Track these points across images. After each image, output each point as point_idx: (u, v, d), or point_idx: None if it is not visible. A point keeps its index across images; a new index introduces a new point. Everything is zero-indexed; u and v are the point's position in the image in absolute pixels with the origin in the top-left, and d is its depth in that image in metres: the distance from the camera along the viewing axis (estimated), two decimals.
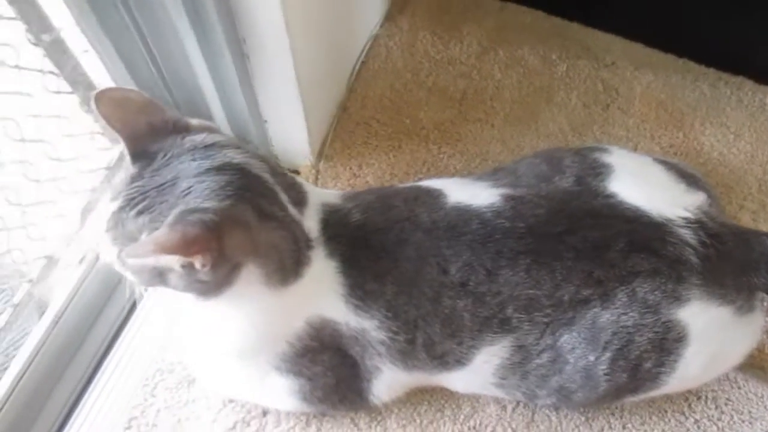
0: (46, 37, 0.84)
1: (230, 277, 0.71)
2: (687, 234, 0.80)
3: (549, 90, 1.26)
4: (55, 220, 1.01)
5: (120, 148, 1.05)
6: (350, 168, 1.19)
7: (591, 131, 1.22)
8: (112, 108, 0.71)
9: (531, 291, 0.78)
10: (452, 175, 1.17)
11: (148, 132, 0.73)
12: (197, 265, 0.65)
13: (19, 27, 0.82)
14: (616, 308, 0.78)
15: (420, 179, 1.16)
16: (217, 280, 0.70)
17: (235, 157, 0.72)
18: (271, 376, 0.86)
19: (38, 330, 1.00)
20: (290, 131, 1.11)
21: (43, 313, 1.02)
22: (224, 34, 0.88)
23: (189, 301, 0.78)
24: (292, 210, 0.76)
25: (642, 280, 0.78)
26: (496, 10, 1.36)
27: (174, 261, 0.66)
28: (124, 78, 0.97)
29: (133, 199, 0.70)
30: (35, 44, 0.84)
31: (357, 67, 1.28)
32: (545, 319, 0.79)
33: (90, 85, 0.96)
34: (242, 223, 0.69)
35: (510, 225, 0.80)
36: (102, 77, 0.98)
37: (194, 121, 0.77)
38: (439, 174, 1.18)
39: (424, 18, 1.35)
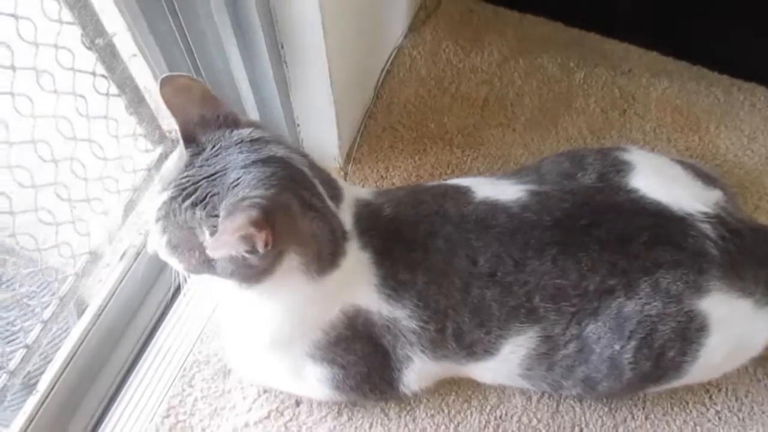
0: (99, 42, 0.89)
1: (274, 264, 0.74)
2: (707, 228, 0.83)
3: (568, 96, 1.31)
4: (99, 217, 1.05)
5: (160, 150, 1.11)
6: (377, 170, 1.23)
7: (609, 135, 1.26)
8: (174, 93, 0.75)
9: (558, 281, 0.81)
10: (478, 176, 1.22)
11: (200, 121, 0.76)
12: (259, 246, 0.67)
13: (75, 31, 0.87)
14: (640, 298, 0.81)
15: (446, 179, 1.21)
16: (263, 266, 0.73)
17: (278, 151, 0.76)
18: (306, 364, 0.89)
19: (81, 322, 1.04)
20: (321, 134, 1.15)
21: (82, 310, 1.06)
22: (265, 39, 0.93)
23: (230, 288, 0.82)
24: (329, 203, 0.80)
25: (665, 271, 0.81)
26: (516, 22, 1.41)
27: (241, 245, 0.68)
28: None
29: (184, 189, 0.73)
30: (89, 48, 0.89)
31: (383, 76, 1.34)
32: (572, 309, 0.82)
33: (136, 89, 1.00)
34: (288, 210, 0.72)
35: (536, 218, 0.83)
36: (147, 80, 1.03)
37: (243, 118, 0.80)
38: (464, 175, 1.22)
39: (446, 29, 1.40)
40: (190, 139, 0.77)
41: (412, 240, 0.84)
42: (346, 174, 1.23)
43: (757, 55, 1.28)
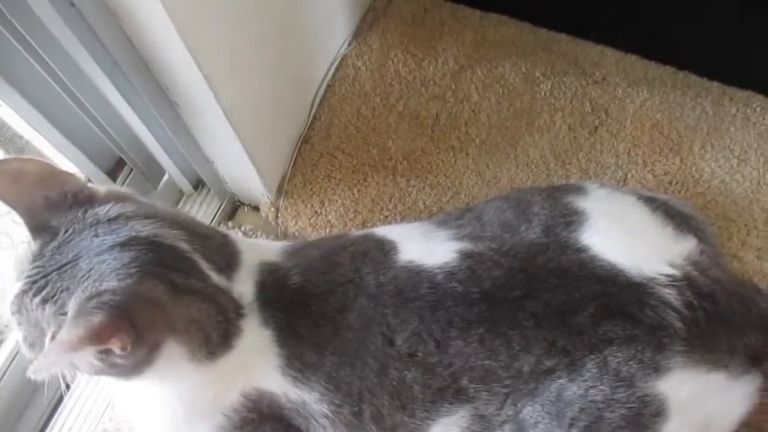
0: None
1: (150, 357, 0.65)
2: (671, 294, 0.72)
3: (531, 112, 1.15)
4: None
5: None
6: (311, 205, 1.11)
7: (576, 159, 1.10)
8: (5, 181, 0.66)
9: (486, 362, 0.72)
10: (420, 212, 1.09)
11: (47, 205, 0.67)
12: (116, 350, 0.59)
13: None
14: (585, 380, 0.70)
15: (384, 218, 1.09)
16: (135, 362, 0.65)
17: (142, 229, 0.66)
18: None
19: None
20: (239, 172, 1.03)
21: None
22: (143, 84, 0.81)
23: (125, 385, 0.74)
24: (216, 278, 0.70)
25: (615, 348, 0.70)
26: (476, 22, 1.24)
27: (88, 353, 0.60)
28: (49, 131, 0.91)
29: (34, 282, 0.64)
30: None
31: (321, 92, 1.19)
32: (504, 390, 0.72)
33: (11, 139, 0.89)
34: (151, 301, 0.63)
35: (462, 289, 0.73)
36: (29, 135, 0.91)
37: (102, 190, 0.71)
38: (407, 210, 1.09)
39: (396, 34, 1.24)
40: (39, 227, 0.67)
41: (320, 314, 0.74)
42: (277, 210, 1.11)
43: (755, 57, 1.10)
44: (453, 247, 0.77)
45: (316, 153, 1.15)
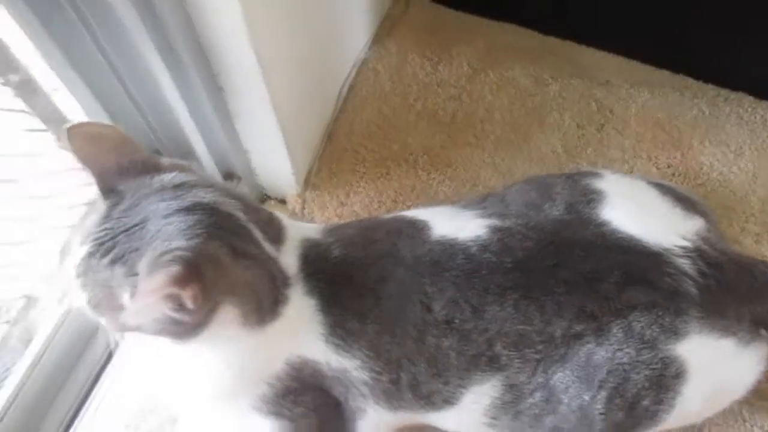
0: (14, 77, 0.82)
1: (208, 317, 0.68)
2: (685, 264, 0.77)
3: (541, 111, 1.23)
4: (34, 258, 0.99)
5: None
6: (337, 196, 1.16)
7: (585, 153, 1.18)
8: (84, 143, 0.69)
9: (520, 327, 0.75)
10: (442, 202, 1.15)
11: (118, 170, 0.71)
12: (188, 302, 0.62)
13: None
14: (611, 344, 0.75)
15: (408, 208, 1.14)
16: (195, 321, 0.68)
17: (205, 196, 0.70)
18: (252, 417, 0.82)
19: (18, 370, 0.98)
20: (273, 162, 1.08)
21: (20, 356, 1.01)
22: (196, 68, 0.86)
23: (164, 343, 0.75)
24: (268, 247, 0.74)
25: (638, 313, 0.75)
26: (486, 30, 1.32)
27: (166, 305, 0.63)
28: (98, 113, 0.96)
29: (102, 243, 0.67)
30: (4, 84, 0.83)
31: (344, 92, 1.26)
32: (536, 356, 0.76)
33: (64, 121, 0.94)
34: (215, 261, 0.67)
35: (497, 259, 0.77)
36: (77, 113, 0.96)
37: (165, 160, 0.74)
38: (429, 201, 1.15)
39: (412, 40, 1.32)
40: (107, 190, 0.70)
41: (361, 285, 0.78)
42: (304, 201, 1.16)
43: (745, 62, 1.20)
44: (482, 224, 0.82)
45: (340, 147, 1.20)
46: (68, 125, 0.68)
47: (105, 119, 0.96)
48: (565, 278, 0.76)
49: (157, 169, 0.72)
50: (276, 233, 0.77)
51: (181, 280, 0.61)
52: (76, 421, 1.02)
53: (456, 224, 0.83)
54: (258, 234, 0.73)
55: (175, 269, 0.60)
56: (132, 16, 0.79)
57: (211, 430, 0.95)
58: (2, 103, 0.85)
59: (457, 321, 0.76)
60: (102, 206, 0.70)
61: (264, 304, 0.73)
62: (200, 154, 1.08)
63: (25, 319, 1.00)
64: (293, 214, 1.17)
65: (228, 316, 0.70)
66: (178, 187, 0.70)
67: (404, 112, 1.24)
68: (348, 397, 0.81)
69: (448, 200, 1.15)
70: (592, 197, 0.85)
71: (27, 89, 0.85)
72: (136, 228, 0.67)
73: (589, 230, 0.80)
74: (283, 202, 1.19)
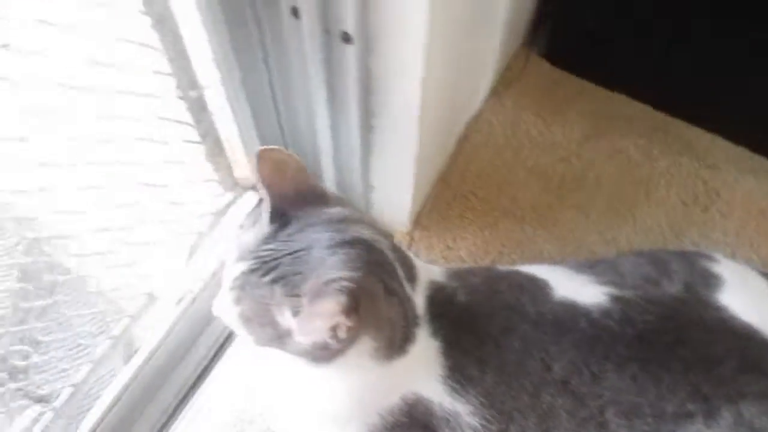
0: (192, 94, 0.87)
1: (346, 346, 0.71)
2: None
3: (648, 184, 1.26)
4: (161, 259, 1.04)
5: (230, 197, 1.09)
6: (444, 240, 1.20)
7: (689, 232, 1.20)
8: (271, 168, 0.74)
9: (635, 398, 0.77)
10: (545, 261, 1.17)
11: (293, 197, 0.75)
12: (342, 332, 0.65)
13: (171, 82, 0.85)
14: (720, 428, 0.75)
15: (513, 261, 1.17)
16: (337, 349, 0.71)
17: (363, 232, 0.74)
18: None
19: (131, 365, 1.02)
20: (394, 199, 1.12)
21: (132, 352, 1.04)
22: (358, 106, 0.91)
23: (296, 364, 0.78)
24: (407, 286, 0.77)
25: (750, 401, 0.75)
26: (602, 99, 1.37)
27: (327, 330, 0.66)
28: (249, 131, 1.01)
29: (265, 262, 0.71)
30: (181, 98, 0.88)
31: (460, 138, 1.30)
32: (645, 428, 0.77)
33: (217, 139, 0.99)
34: (372, 295, 0.70)
35: (619, 329, 0.79)
36: (230, 131, 1.01)
37: (331, 194, 0.78)
38: (533, 258, 1.18)
39: (529, 98, 1.36)
40: (278, 213, 0.74)
41: (485, 333, 0.80)
42: (411, 239, 1.20)
43: None
44: (600, 291, 0.83)
45: (451, 193, 1.24)
46: (261, 149, 0.73)
47: (255, 140, 1.02)
48: (683, 356, 0.77)
49: (324, 201, 0.76)
50: (412, 273, 0.79)
51: (347, 310, 0.63)
52: (173, 427, 1.06)
53: (574, 286, 0.85)
54: (401, 272, 0.76)
55: (343, 299, 0.63)
56: (314, 54, 0.84)
57: None
58: (175, 114, 0.89)
59: (573, 383, 0.77)
60: (266, 228, 0.74)
61: (396, 341, 0.75)
62: (325, 178, 1.12)
63: (142, 316, 1.03)
64: None
65: (364, 348, 0.72)
66: (341, 221, 0.74)
67: (515, 167, 1.28)
68: None
69: (552, 259, 1.18)
70: (711, 281, 0.86)
71: (198, 105, 0.90)
72: (301, 253, 0.70)
73: (708, 313, 0.82)
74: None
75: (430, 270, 0.86)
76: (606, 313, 0.80)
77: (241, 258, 0.73)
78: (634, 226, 1.21)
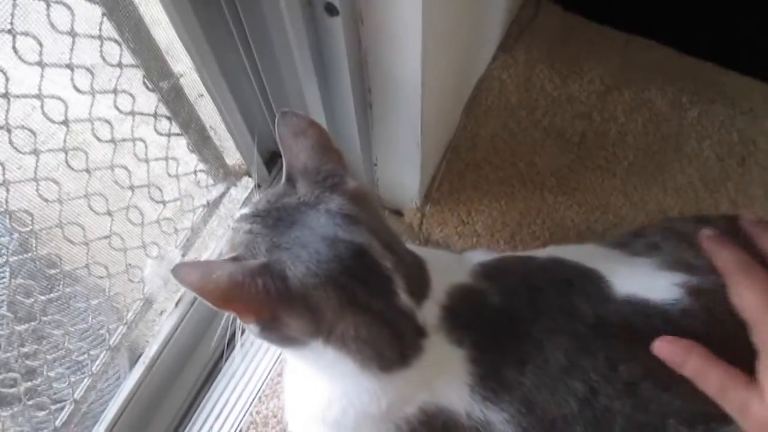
0: (164, 84, 0.78)
1: (303, 344, 0.66)
2: None
3: (678, 138, 1.15)
4: (155, 261, 0.97)
5: (222, 188, 1.02)
6: (458, 214, 1.11)
7: (725, 188, 1.10)
8: (290, 134, 0.68)
9: (705, 407, 0.67)
10: (569, 229, 1.09)
11: (303, 170, 0.68)
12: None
13: (137, 74, 0.76)
14: None
15: (533, 233, 1.08)
16: (280, 337, 0.66)
17: (359, 237, 0.65)
18: None
19: (134, 374, 0.97)
20: (401, 175, 1.03)
21: (134, 360, 0.99)
22: (351, 83, 0.81)
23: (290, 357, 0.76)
24: (404, 299, 0.67)
25: None
26: (622, 45, 1.24)
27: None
28: (234, 116, 0.92)
29: (257, 215, 0.66)
30: (151, 90, 0.79)
31: (468, 102, 1.19)
32: None
33: (201, 129, 0.90)
34: (313, 307, 0.63)
35: (703, 330, 0.68)
36: (214, 120, 0.92)
37: (351, 185, 0.69)
38: (555, 227, 1.09)
39: (541, 49, 1.24)
40: (289, 179, 0.69)
41: (525, 335, 0.71)
42: (423, 216, 1.11)
43: None
44: (672, 280, 0.72)
45: (462, 162, 1.15)
46: (282, 110, 0.67)
47: (242, 125, 0.93)
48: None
49: (335, 188, 0.67)
50: (421, 285, 0.70)
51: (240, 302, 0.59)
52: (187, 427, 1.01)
53: (639, 280, 0.74)
54: (399, 285, 0.67)
55: (248, 290, 0.58)
56: (296, 30, 0.75)
57: None
58: (146, 108, 0.81)
59: (640, 387, 0.68)
60: (281, 188, 0.69)
61: (386, 355, 0.67)
62: None
63: (140, 321, 0.98)
64: (409, 228, 1.12)
65: (339, 359, 0.66)
66: (344, 216, 0.65)
67: (531, 128, 1.17)
68: None
69: (575, 227, 1.09)
70: None
71: (173, 96, 0.81)
72: (282, 224, 0.65)
73: None
74: (398, 213, 1.14)
75: (449, 273, 0.76)
76: (686, 311, 0.70)
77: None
78: (663, 185, 1.11)
